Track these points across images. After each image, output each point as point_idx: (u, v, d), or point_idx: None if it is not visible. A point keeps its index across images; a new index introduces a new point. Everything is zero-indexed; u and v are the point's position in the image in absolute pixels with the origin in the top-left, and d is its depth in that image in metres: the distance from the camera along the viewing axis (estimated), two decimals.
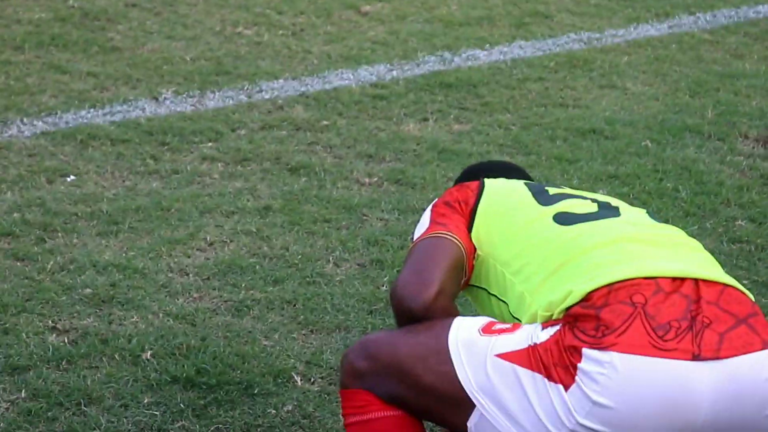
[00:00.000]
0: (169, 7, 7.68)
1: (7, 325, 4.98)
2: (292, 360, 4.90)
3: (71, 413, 4.48)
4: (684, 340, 3.25)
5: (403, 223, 5.95)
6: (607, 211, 3.70)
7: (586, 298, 3.33)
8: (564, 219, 3.64)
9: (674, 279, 3.38)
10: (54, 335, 4.95)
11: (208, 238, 5.71)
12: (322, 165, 6.33)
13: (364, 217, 5.98)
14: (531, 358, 3.36)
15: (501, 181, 3.94)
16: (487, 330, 3.47)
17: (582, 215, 3.65)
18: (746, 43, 8.06)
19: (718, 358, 3.28)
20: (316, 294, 5.35)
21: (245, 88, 6.99)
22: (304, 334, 5.10)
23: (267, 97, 6.91)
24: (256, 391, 4.68)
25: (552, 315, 3.40)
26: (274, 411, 4.60)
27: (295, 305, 5.27)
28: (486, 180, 3.92)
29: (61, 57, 7.11)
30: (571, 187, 4.18)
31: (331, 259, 5.65)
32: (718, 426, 3.34)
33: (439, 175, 6.30)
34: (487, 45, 7.84)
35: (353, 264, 5.62)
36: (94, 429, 4.41)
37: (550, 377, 3.31)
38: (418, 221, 3.83)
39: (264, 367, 4.83)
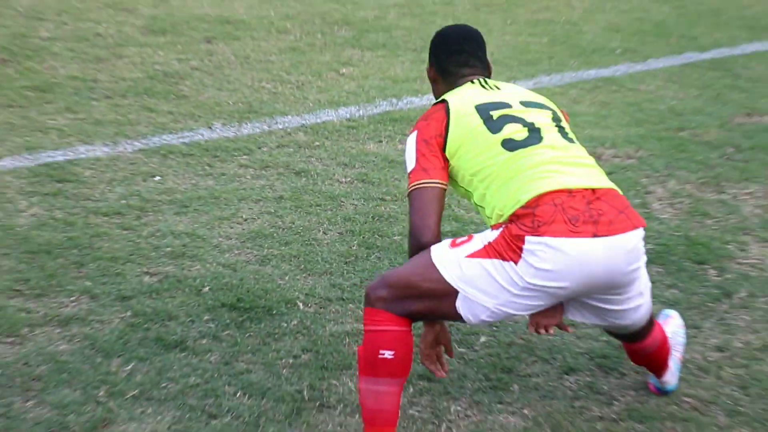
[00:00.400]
0: (218, 70, 7.57)
1: (118, 271, 5.01)
2: (297, 293, 4.91)
3: (159, 326, 4.55)
4: (587, 225, 3.43)
5: (367, 207, 5.87)
6: (534, 136, 3.63)
7: (525, 204, 3.46)
8: (508, 145, 3.59)
9: (578, 188, 3.51)
10: (147, 277, 4.99)
11: (244, 216, 5.66)
12: (315, 170, 6.30)
13: (342, 203, 5.89)
14: (488, 251, 3.49)
15: (460, 106, 3.72)
16: (453, 245, 3.57)
17: (519, 142, 3.60)
18: (582, 94, 7.95)
19: (607, 235, 3.45)
20: (311, 251, 5.33)
21: (266, 121, 6.94)
22: (304, 277, 5.10)
23: (280, 127, 6.89)
24: (274, 312, 4.72)
25: (503, 215, 3.52)
26: (285, 324, 4.65)
27: (298, 258, 5.26)
28: (450, 106, 3.72)
29: (150, 101, 7.04)
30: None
31: (321, 229, 5.60)
32: (610, 275, 3.52)
33: (390, 176, 6.27)
34: (420, 94, 7.63)
35: (335, 233, 5.57)
36: (173, 335, 4.47)
37: (503, 259, 3.46)
38: (405, 152, 3.75)
39: (279, 297, 4.84)
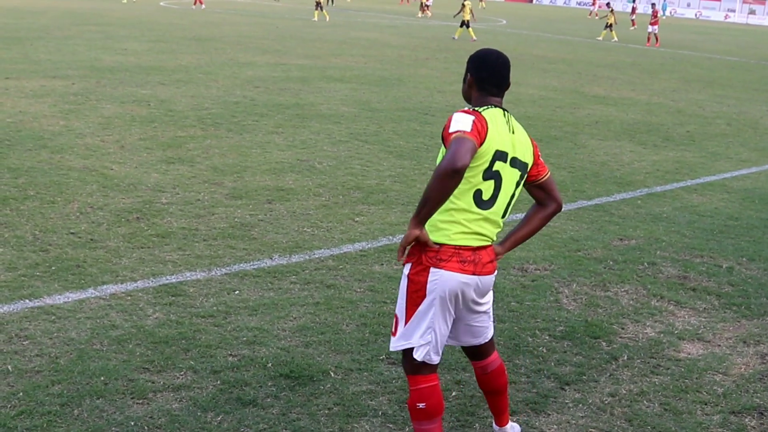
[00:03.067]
0: (276, 221, 7.56)
1: (211, 354, 4.89)
2: (329, 366, 4.86)
3: (238, 390, 4.46)
4: (470, 266, 3.47)
5: (375, 308, 5.74)
6: (491, 201, 3.44)
7: (440, 246, 3.45)
8: (476, 196, 3.42)
9: (472, 246, 3.48)
10: (230, 357, 4.83)
11: (293, 316, 5.53)
12: (340, 284, 6.17)
13: (358, 306, 5.75)
14: (409, 306, 3.56)
15: (489, 142, 3.37)
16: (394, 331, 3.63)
17: (482, 201, 3.42)
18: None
19: (481, 274, 3.51)
20: (339, 338, 5.24)
21: (307, 253, 6.85)
22: (334, 355, 5.00)
23: (316, 257, 6.78)
24: (314, 379, 4.71)
25: (432, 227, 3.45)
26: (321, 387, 4.54)
27: (330, 343, 5.16)
28: (489, 134, 3.36)
29: (232, 242, 6.95)
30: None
31: (344, 323, 5.47)
32: (476, 295, 3.56)
33: (390, 287, 6.15)
34: None
35: (354, 325, 5.44)
36: (248, 396, 4.36)
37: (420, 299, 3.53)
38: (457, 120, 3.31)
39: (317, 369, 4.80)
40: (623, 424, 4.43)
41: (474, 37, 32.66)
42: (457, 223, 3.43)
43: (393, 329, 3.59)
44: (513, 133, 3.50)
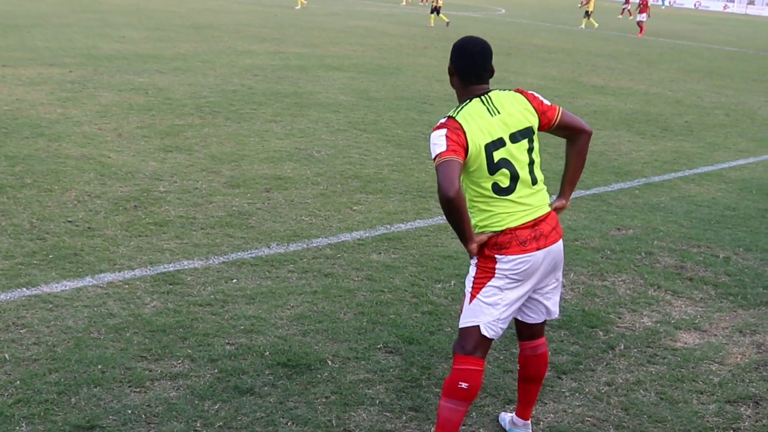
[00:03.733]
0: (274, 210, 7.55)
1: (209, 342, 4.88)
2: (327, 354, 4.86)
3: (236, 378, 4.41)
4: (532, 243, 3.52)
5: (372, 296, 5.74)
6: (512, 186, 3.49)
7: (497, 234, 3.53)
8: (496, 189, 3.48)
9: (527, 222, 3.53)
10: (228, 346, 4.84)
11: (291, 304, 5.53)
12: (337, 273, 6.18)
13: (355, 295, 5.76)
14: (477, 286, 3.63)
15: (475, 141, 3.41)
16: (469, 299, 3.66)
17: (503, 189, 3.48)
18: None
19: (546, 246, 3.56)
20: (336, 327, 5.24)
21: (305, 242, 6.85)
22: (331, 343, 4.99)
23: (314, 245, 6.77)
24: (312, 368, 4.70)
25: (481, 228, 3.55)
26: (319, 375, 4.56)
27: (327, 332, 5.16)
28: (467, 138, 3.40)
29: (230, 231, 6.95)
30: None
31: (342, 312, 5.48)
32: (548, 265, 3.63)
33: (387, 276, 6.16)
34: (405, 221, 7.56)
35: (351, 314, 5.44)
36: (245, 384, 4.38)
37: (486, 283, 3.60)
38: (432, 142, 3.40)
39: (315, 358, 4.81)
40: (619, 413, 4.44)
41: (447, 20, 33.00)
42: (496, 215, 3.51)
43: (461, 308, 3.67)
44: (498, 113, 3.48)
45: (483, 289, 3.54)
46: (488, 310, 3.54)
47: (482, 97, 3.52)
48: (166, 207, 7.45)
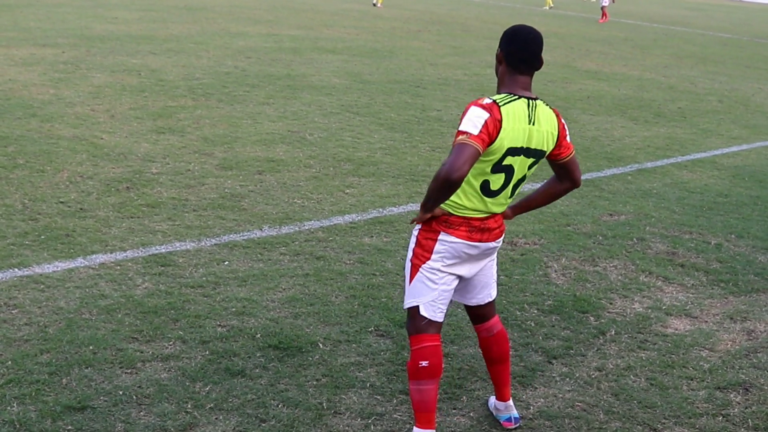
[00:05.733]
0: (266, 192, 7.53)
1: (200, 324, 4.88)
2: (318, 337, 4.87)
3: (227, 360, 4.45)
4: (477, 234, 3.56)
5: (364, 280, 5.75)
6: (499, 190, 3.49)
7: (449, 213, 3.54)
8: (484, 187, 3.47)
9: (481, 217, 3.56)
10: (219, 328, 4.86)
11: (282, 287, 5.53)
12: (329, 256, 6.18)
13: (347, 278, 5.76)
14: (415, 262, 3.64)
15: (503, 139, 3.35)
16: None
17: (491, 191, 3.48)
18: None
19: (488, 241, 3.62)
20: (327, 310, 5.22)
21: (297, 225, 6.85)
22: (323, 326, 4.99)
23: (306, 228, 6.77)
24: (303, 350, 4.71)
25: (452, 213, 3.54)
26: (310, 358, 4.59)
27: (319, 314, 5.15)
28: (501, 132, 3.32)
29: (222, 213, 6.93)
30: None
31: (333, 295, 5.46)
32: (483, 256, 3.67)
33: (379, 260, 6.17)
34: (398, 205, 7.56)
35: (343, 297, 5.44)
36: (237, 366, 4.39)
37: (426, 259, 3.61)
38: (469, 117, 3.28)
39: (306, 340, 4.81)
40: (609, 398, 4.45)
41: (380, 5, 32.70)
42: (461, 206, 3.53)
43: (405, 289, 3.69)
44: (534, 124, 3.43)
45: (420, 269, 3.57)
46: (426, 291, 3.58)
47: (530, 101, 3.45)
48: (158, 189, 7.42)
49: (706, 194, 8.77)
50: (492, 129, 3.29)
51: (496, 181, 3.48)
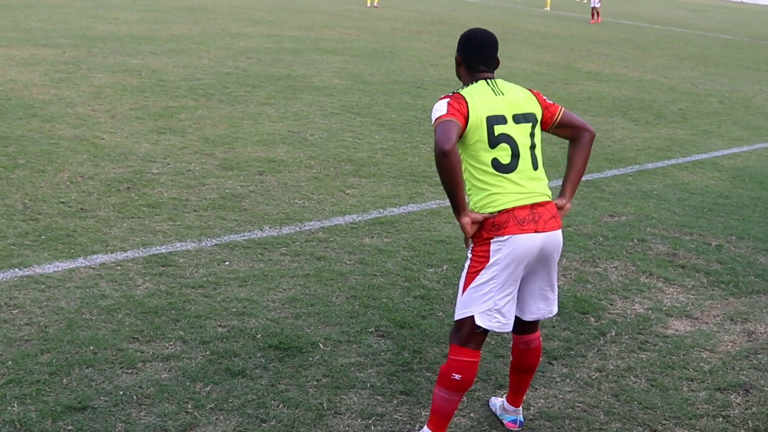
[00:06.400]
0: (267, 192, 7.55)
1: (201, 324, 4.87)
2: (318, 337, 4.87)
3: (227, 360, 4.43)
4: (530, 224, 3.46)
5: (364, 280, 5.74)
6: (514, 163, 3.48)
7: (493, 215, 3.49)
8: (495, 164, 3.47)
9: (525, 204, 3.49)
10: (220, 328, 4.86)
11: (283, 287, 5.52)
12: (330, 256, 6.18)
13: (348, 278, 5.75)
14: (471, 273, 3.57)
15: (476, 112, 3.43)
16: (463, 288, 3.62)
17: (504, 165, 3.47)
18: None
19: (545, 231, 3.50)
20: (328, 310, 5.22)
21: (298, 225, 6.86)
22: (323, 326, 5.00)
23: (307, 229, 6.78)
24: (303, 351, 4.71)
25: (479, 210, 3.51)
26: (310, 358, 4.59)
27: (319, 315, 5.16)
28: (470, 108, 3.42)
29: (222, 213, 6.94)
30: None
31: (334, 295, 5.45)
32: (545, 254, 3.55)
33: (379, 260, 6.17)
34: (398, 206, 7.55)
35: (343, 297, 5.43)
36: (237, 366, 4.41)
37: (481, 268, 3.54)
38: (434, 109, 3.42)
39: (306, 341, 4.81)
40: (610, 399, 4.45)
41: (376, 4, 32.62)
42: (494, 194, 3.48)
43: (457, 300, 3.64)
44: (501, 95, 3.53)
45: (476, 278, 3.49)
46: (482, 299, 3.49)
47: (488, 80, 3.58)
48: (159, 189, 7.42)
49: (707, 195, 8.76)
50: (458, 105, 3.40)
51: (503, 155, 3.46)
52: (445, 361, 3.69)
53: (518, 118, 3.51)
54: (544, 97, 3.65)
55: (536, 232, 3.48)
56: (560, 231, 3.59)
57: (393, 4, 34.68)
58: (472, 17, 31.12)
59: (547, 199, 3.58)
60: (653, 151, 10.79)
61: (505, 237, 3.44)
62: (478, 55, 3.59)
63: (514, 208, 3.46)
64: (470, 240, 3.56)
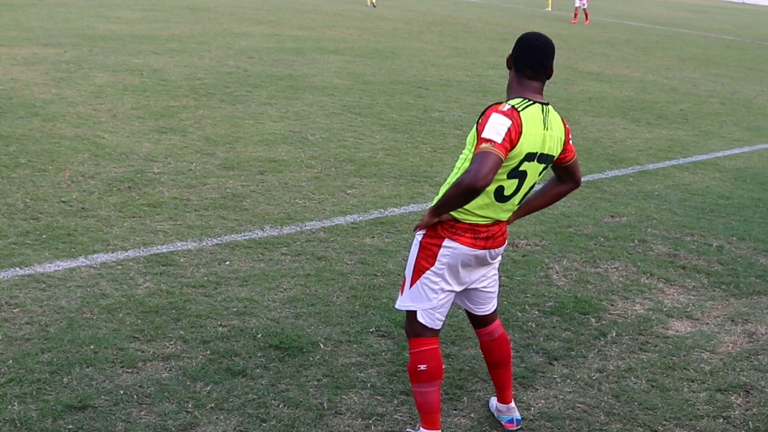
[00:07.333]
0: (268, 192, 7.56)
1: (201, 324, 4.87)
2: (319, 337, 4.86)
3: (228, 360, 4.41)
4: (482, 241, 3.55)
5: (365, 280, 5.74)
6: (511, 195, 3.49)
7: (456, 219, 3.51)
8: (497, 193, 3.46)
9: (487, 223, 3.54)
10: (220, 328, 4.83)
11: (284, 287, 5.52)
12: (331, 256, 6.18)
13: (348, 278, 5.76)
14: (418, 269, 3.62)
15: (522, 144, 3.35)
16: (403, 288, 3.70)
17: (503, 196, 3.47)
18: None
19: (493, 247, 3.61)
20: (329, 310, 5.22)
21: (299, 225, 6.86)
22: (324, 326, 5.00)
23: (308, 228, 6.78)
24: (304, 350, 4.71)
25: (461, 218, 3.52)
26: (311, 358, 4.57)
27: (320, 314, 5.15)
28: (522, 137, 3.33)
29: (223, 213, 6.94)
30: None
31: (335, 295, 5.47)
32: (488, 260, 3.65)
33: (380, 260, 6.16)
34: (399, 206, 7.55)
35: (344, 297, 5.43)
36: (237, 366, 4.37)
37: (429, 267, 3.59)
38: (492, 123, 3.26)
39: (307, 340, 4.81)
40: (610, 399, 4.45)
41: (375, 3, 32.42)
42: (474, 209, 3.49)
43: (401, 289, 3.67)
44: (547, 129, 3.45)
45: (423, 276, 3.54)
46: (425, 299, 3.57)
47: (543, 106, 3.47)
48: (160, 188, 7.43)
49: (708, 196, 8.76)
50: (514, 136, 3.29)
51: (510, 186, 3.47)
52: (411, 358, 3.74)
53: (542, 158, 3.49)
54: (570, 138, 3.62)
55: (485, 249, 3.57)
56: (505, 246, 3.70)
57: (394, 4, 34.65)
58: (473, 17, 31.11)
59: (504, 219, 3.65)
60: (654, 152, 10.79)
61: (456, 245, 3.51)
62: (527, 58, 3.46)
63: (476, 224, 3.53)
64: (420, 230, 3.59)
